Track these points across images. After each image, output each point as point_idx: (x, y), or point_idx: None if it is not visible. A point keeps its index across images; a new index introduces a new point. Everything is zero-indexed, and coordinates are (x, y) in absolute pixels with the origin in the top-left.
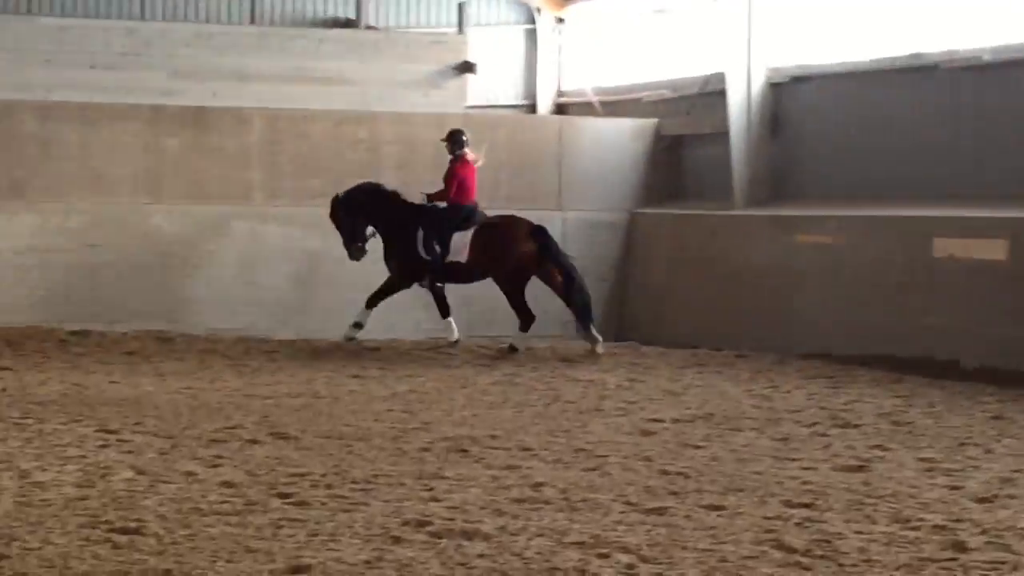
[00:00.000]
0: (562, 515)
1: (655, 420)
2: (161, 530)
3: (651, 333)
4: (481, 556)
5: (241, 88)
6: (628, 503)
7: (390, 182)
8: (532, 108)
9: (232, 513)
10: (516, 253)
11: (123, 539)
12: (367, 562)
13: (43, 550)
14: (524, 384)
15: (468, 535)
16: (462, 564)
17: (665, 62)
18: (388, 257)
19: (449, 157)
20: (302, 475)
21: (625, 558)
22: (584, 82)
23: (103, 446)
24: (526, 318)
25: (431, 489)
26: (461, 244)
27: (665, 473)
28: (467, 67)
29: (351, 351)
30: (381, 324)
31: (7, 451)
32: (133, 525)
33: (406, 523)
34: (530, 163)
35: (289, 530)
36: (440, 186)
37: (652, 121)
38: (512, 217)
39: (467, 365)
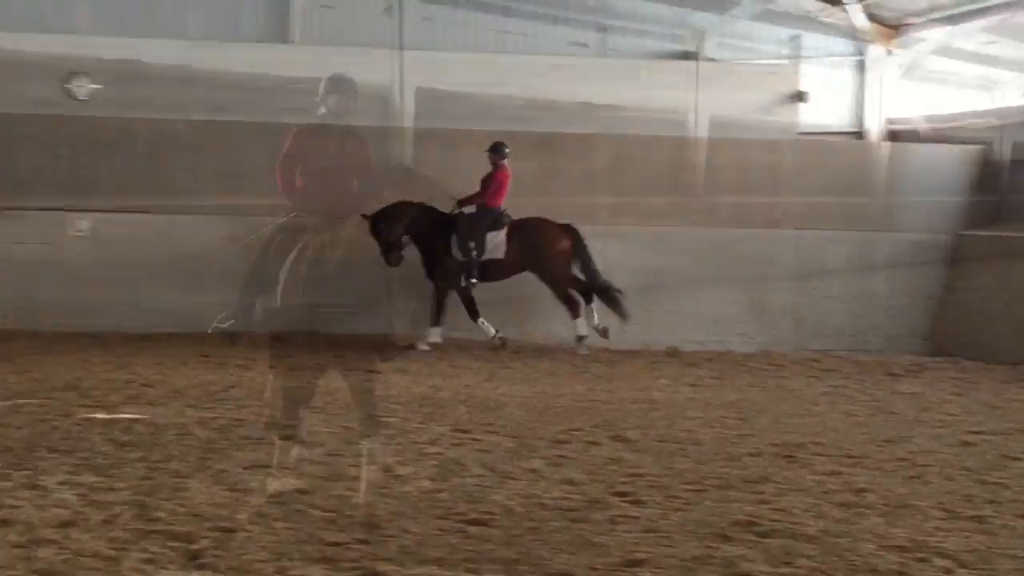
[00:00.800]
0: (883, 520)
1: (975, 432)
2: (508, 522)
3: (974, 349)
4: (805, 556)
5: (590, 115)
6: (947, 510)
7: (725, 202)
8: (861, 134)
9: (573, 509)
10: (555, 250)
11: (473, 529)
12: (697, 558)
13: (401, 537)
14: (849, 395)
15: (793, 536)
16: (786, 563)
17: (990, 90)
18: (427, 264)
19: (491, 165)
20: (638, 475)
21: (943, 563)
22: (911, 110)
23: (457, 444)
24: (573, 306)
25: (759, 492)
26: (497, 242)
27: (984, 483)
28: (799, 96)
29: (689, 361)
30: (713, 335)
31: (371, 447)
32: (483, 517)
33: (735, 523)
34: (860, 186)
35: (625, 526)
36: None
37: (977, 147)
38: (543, 219)
39: (796, 376)
